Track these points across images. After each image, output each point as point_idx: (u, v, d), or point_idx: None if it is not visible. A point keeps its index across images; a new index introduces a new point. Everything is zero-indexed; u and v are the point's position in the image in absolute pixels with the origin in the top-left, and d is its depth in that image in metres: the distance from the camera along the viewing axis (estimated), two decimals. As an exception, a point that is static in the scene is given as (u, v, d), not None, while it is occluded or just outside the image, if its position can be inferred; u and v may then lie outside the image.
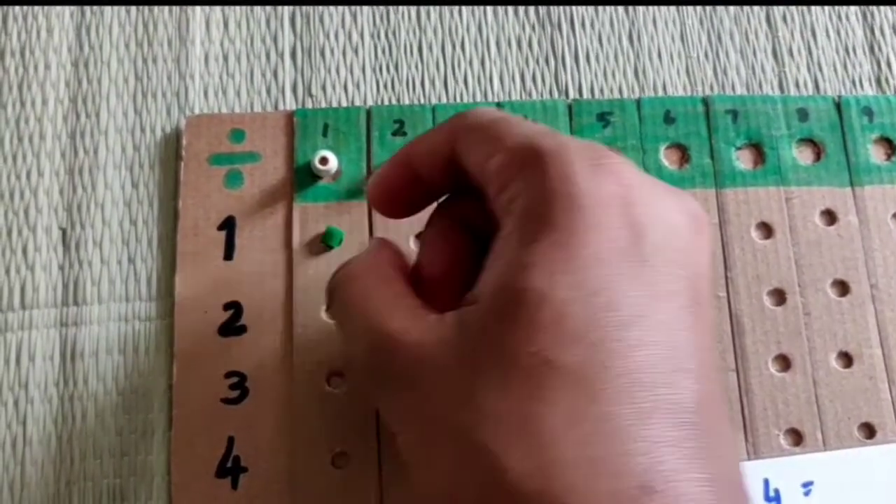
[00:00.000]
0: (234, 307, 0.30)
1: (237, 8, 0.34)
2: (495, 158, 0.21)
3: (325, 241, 0.30)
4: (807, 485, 0.29)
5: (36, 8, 0.34)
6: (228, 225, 0.31)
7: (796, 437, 0.30)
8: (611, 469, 0.18)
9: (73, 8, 0.34)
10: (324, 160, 0.31)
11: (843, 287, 0.31)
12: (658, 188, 0.21)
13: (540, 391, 0.18)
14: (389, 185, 0.25)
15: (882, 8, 0.36)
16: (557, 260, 0.19)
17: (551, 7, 0.35)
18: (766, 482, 0.29)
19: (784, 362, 0.30)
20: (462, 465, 0.19)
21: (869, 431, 0.30)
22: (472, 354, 0.19)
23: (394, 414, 0.21)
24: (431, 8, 0.35)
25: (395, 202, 0.25)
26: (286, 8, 0.34)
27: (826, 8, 0.36)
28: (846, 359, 0.30)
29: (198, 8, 0.34)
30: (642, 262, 0.19)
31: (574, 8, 0.35)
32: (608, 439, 0.18)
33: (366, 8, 0.35)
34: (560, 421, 0.18)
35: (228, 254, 0.31)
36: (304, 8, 0.34)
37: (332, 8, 0.34)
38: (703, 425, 0.19)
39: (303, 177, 0.31)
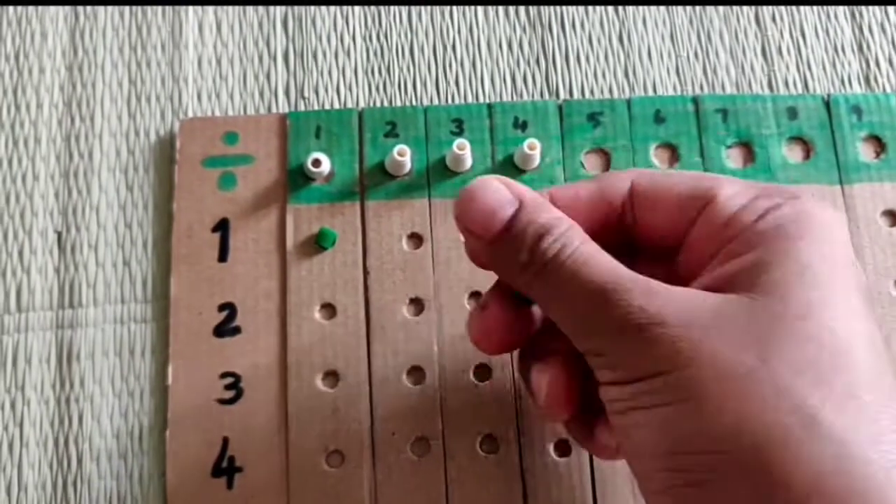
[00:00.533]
0: (229, 308, 0.30)
1: (230, 11, 0.34)
2: (739, 194, 0.23)
3: (318, 243, 0.31)
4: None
5: (30, 12, 0.34)
6: (222, 227, 0.31)
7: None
8: None
9: (66, 12, 0.34)
10: (316, 162, 0.31)
11: (832, 284, 0.31)
12: None
13: (841, 351, 0.20)
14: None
15: (870, 7, 0.36)
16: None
17: (542, 8, 0.35)
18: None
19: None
20: (758, 400, 0.20)
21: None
22: (767, 330, 0.21)
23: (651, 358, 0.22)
24: (423, 10, 0.35)
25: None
26: (278, 11, 0.35)
27: (815, 7, 0.36)
28: (836, 355, 0.31)
29: (191, 11, 0.34)
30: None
31: (564, 9, 0.35)
32: None
33: (357, 10, 0.35)
34: (864, 378, 0.20)
35: (222, 255, 0.31)
36: (296, 11, 0.35)
37: (323, 11, 0.35)
38: None
39: (296, 179, 0.31)
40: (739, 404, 0.20)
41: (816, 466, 0.19)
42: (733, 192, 0.24)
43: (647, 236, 0.25)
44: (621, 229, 0.25)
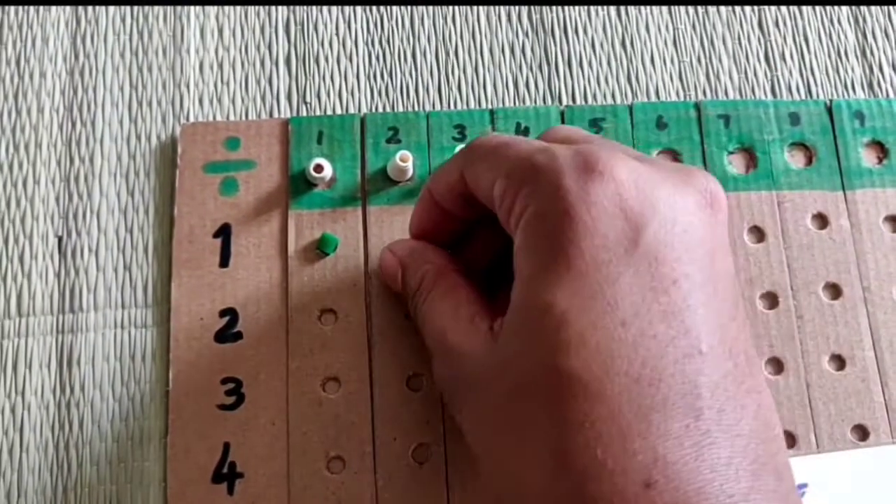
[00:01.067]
0: (230, 314, 0.30)
1: (231, 16, 0.34)
2: (498, 183, 0.22)
3: (320, 248, 0.31)
4: (801, 487, 0.29)
5: (31, 16, 0.34)
6: (224, 232, 0.31)
7: (790, 440, 0.30)
8: (615, 469, 0.18)
9: (68, 16, 0.34)
10: (318, 167, 0.31)
11: (835, 290, 0.31)
12: (657, 175, 0.21)
13: (552, 399, 0.20)
14: (423, 225, 0.27)
15: (874, 12, 0.36)
16: (559, 270, 0.20)
17: (544, 13, 0.35)
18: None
19: (777, 365, 0.30)
20: (501, 465, 0.21)
21: (862, 433, 0.30)
22: (503, 365, 0.21)
23: (459, 414, 0.24)
24: (425, 15, 0.35)
25: (437, 239, 0.27)
26: (280, 16, 0.35)
27: (818, 12, 0.36)
28: (839, 361, 0.31)
29: (192, 16, 0.34)
30: (644, 254, 0.20)
31: (567, 14, 0.35)
32: (611, 440, 0.19)
33: (360, 15, 0.35)
34: (569, 427, 0.19)
35: (224, 261, 0.31)
36: (298, 16, 0.35)
37: (326, 15, 0.35)
38: (718, 406, 0.19)
39: (298, 184, 0.31)
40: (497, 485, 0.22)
41: None
42: (502, 189, 0.22)
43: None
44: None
